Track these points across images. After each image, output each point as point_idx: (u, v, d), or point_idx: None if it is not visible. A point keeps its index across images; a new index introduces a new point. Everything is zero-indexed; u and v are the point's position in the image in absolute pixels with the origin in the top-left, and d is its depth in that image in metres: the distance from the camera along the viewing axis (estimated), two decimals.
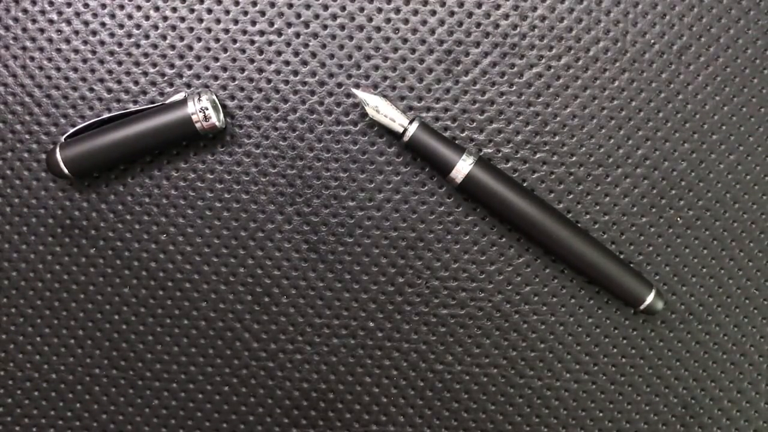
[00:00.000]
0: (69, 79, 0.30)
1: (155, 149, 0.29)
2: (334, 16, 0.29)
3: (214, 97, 0.29)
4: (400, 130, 0.28)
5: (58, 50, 0.30)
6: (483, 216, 0.30)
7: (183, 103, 0.28)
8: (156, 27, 0.30)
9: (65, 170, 0.28)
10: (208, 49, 0.30)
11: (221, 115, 0.29)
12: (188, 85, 0.30)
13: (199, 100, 0.28)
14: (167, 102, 0.29)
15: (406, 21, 0.29)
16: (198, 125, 0.28)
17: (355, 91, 0.29)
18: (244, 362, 0.31)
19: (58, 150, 0.28)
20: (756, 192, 0.30)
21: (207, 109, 0.28)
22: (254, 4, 0.29)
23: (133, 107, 0.30)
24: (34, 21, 0.30)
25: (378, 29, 0.29)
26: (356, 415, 0.31)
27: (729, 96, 0.30)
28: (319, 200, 0.30)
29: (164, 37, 0.30)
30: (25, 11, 0.30)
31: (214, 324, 0.30)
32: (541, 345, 0.30)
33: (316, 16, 0.29)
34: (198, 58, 0.30)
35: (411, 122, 0.28)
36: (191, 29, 0.29)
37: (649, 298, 0.29)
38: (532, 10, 0.29)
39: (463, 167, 0.28)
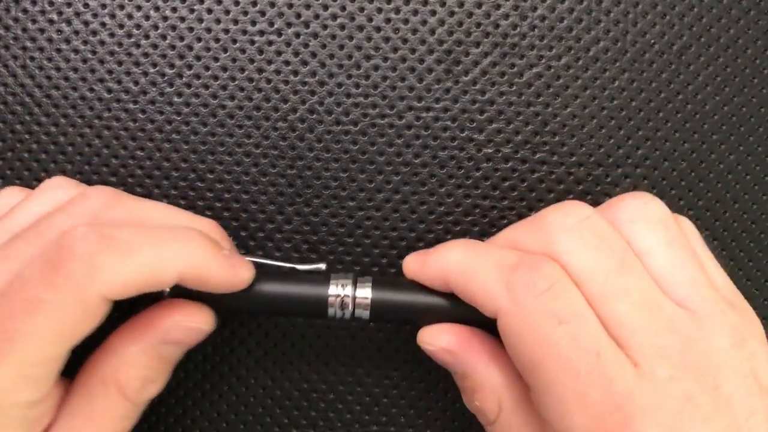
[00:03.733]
0: (69, 79, 0.30)
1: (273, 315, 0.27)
2: (334, 16, 0.29)
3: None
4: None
5: (58, 50, 0.30)
6: (482, 215, 0.30)
7: (324, 278, 0.26)
8: (156, 27, 0.30)
9: None
10: (208, 49, 0.30)
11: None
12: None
13: (344, 287, 0.25)
14: (301, 268, 0.26)
15: (406, 21, 0.29)
16: (331, 311, 0.25)
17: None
18: (244, 363, 0.31)
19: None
20: (756, 192, 0.30)
21: (347, 296, 0.25)
22: (254, 4, 0.29)
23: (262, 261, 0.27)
24: (34, 21, 0.30)
25: (378, 29, 0.29)
26: (356, 415, 0.31)
27: (729, 96, 0.30)
28: (319, 200, 0.30)
29: (164, 37, 0.30)
30: (25, 11, 0.30)
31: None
32: None
33: (316, 16, 0.29)
34: (198, 58, 0.30)
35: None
36: (191, 29, 0.30)
37: None
38: (532, 10, 0.29)
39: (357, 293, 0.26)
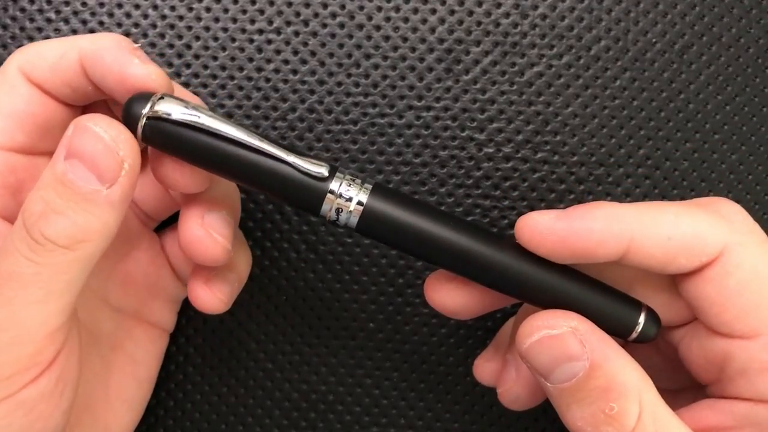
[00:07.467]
0: None
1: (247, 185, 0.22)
2: (334, 15, 0.29)
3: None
4: None
5: None
6: (483, 215, 0.30)
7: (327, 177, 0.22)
8: (154, 26, 0.29)
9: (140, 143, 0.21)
10: (207, 48, 0.29)
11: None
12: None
13: (349, 185, 0.22)
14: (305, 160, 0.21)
15: (405, 20, 0.29)
16: (326, 207, 0.21)
17: None
18: (243, 364, 0.30)
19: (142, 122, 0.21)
20: (758, 192, 0.30)
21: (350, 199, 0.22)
22: (253, 2, 0.29)
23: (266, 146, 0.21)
24: (32, 20, 0.30)
25: (378, 28, 0.29)
26: (356, 417, 0.31)
27: (731, 95, 0.30)
28: None
29: (162, 36, 0.29)
30: (23, 10, 0.30)
31: (212, 325, 0.30)
32: None
33: (316, 15, 0.29)
34: (196, 56, 0.29)
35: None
36: (190, 28, 0.29)
37: (640, 324, 0.22)
38: (533, 9, 0.29)
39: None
